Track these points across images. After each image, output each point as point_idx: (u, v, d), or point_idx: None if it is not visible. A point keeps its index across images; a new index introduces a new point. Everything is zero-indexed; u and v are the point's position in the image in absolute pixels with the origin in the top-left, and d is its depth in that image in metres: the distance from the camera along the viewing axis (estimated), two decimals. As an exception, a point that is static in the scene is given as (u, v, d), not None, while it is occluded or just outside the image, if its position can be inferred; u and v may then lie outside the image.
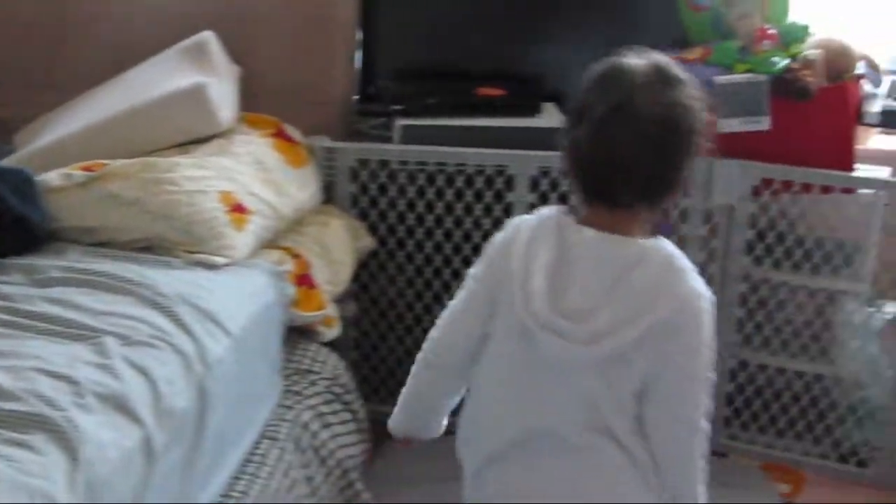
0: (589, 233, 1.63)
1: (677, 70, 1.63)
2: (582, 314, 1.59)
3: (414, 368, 1.86)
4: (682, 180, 1.64)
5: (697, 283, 1.63)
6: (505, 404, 1.71)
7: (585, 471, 1.66)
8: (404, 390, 1.89)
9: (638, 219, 1.65)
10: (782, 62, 2.56)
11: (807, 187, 2.59)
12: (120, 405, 1.55)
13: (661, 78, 1.60)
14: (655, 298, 1.58)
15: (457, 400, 1.86)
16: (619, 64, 1.62)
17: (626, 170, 1.59)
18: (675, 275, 1.61)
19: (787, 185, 2.60)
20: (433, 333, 1.82)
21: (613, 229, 1.63)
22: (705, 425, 1.65)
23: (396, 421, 1.92)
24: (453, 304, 1.79)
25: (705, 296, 1.63)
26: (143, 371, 1.65)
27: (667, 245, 1.65)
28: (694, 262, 2.63)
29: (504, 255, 1.68)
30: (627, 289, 1.58)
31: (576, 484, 1.67)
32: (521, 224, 1.70)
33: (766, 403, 2.80)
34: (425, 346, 1.83)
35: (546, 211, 1.71)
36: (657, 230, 2.37)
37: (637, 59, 1.62)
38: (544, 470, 1.68)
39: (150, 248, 2.16)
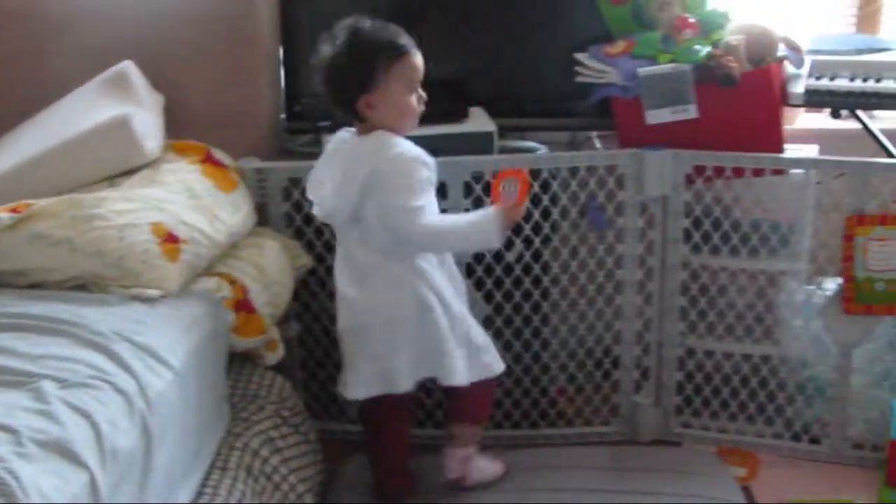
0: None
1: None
2: None
3: None
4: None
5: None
6: None
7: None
8: None
9: None
10: (704, 50, 2.59)
11: (738, 172, 2.62)
12: (62, 451, 1.52)
13: None
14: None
15: None
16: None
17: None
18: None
19: (719, 171, 2.62)
20: None
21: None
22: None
23: None
24: None
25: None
26: (83, 413, 1.61)
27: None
28: (633, 254, 2.65)
29: None
30: None
31: None
32: None
33: (716, 389, 2.82)
34: None
35: None
36: (590, 223, 2.68)
37: None
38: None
39: (84, 287, 2.12)
